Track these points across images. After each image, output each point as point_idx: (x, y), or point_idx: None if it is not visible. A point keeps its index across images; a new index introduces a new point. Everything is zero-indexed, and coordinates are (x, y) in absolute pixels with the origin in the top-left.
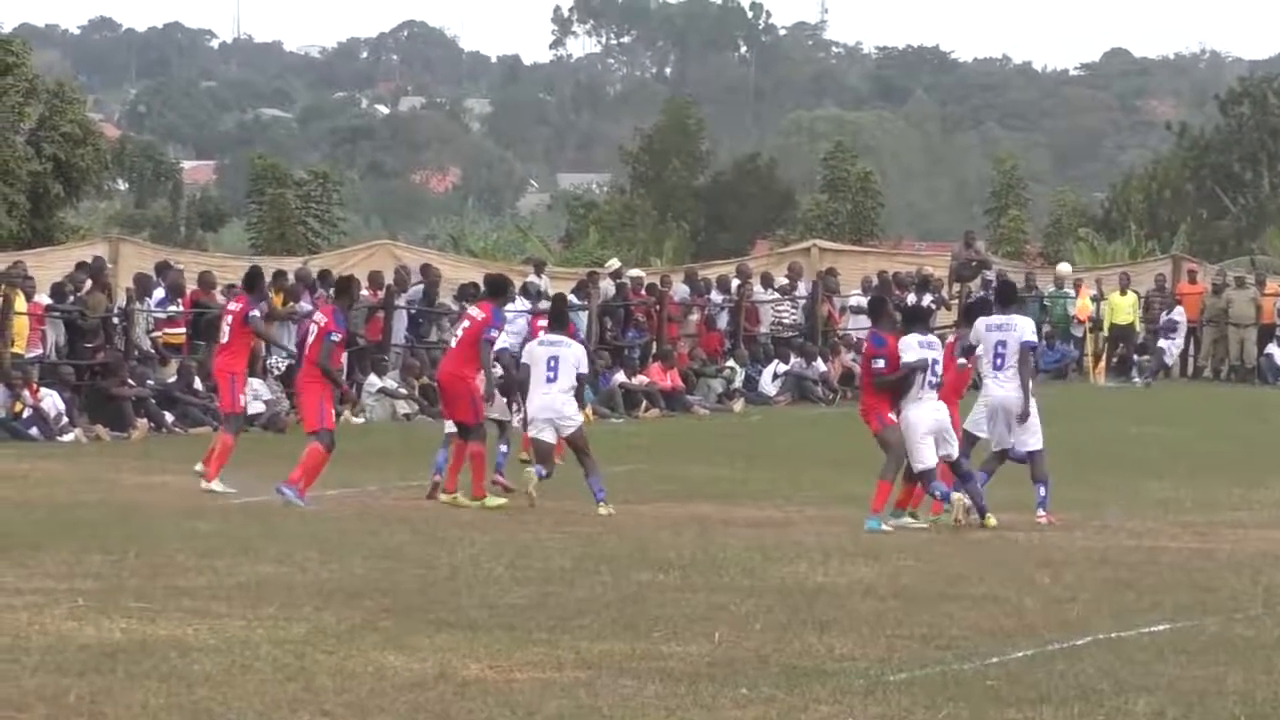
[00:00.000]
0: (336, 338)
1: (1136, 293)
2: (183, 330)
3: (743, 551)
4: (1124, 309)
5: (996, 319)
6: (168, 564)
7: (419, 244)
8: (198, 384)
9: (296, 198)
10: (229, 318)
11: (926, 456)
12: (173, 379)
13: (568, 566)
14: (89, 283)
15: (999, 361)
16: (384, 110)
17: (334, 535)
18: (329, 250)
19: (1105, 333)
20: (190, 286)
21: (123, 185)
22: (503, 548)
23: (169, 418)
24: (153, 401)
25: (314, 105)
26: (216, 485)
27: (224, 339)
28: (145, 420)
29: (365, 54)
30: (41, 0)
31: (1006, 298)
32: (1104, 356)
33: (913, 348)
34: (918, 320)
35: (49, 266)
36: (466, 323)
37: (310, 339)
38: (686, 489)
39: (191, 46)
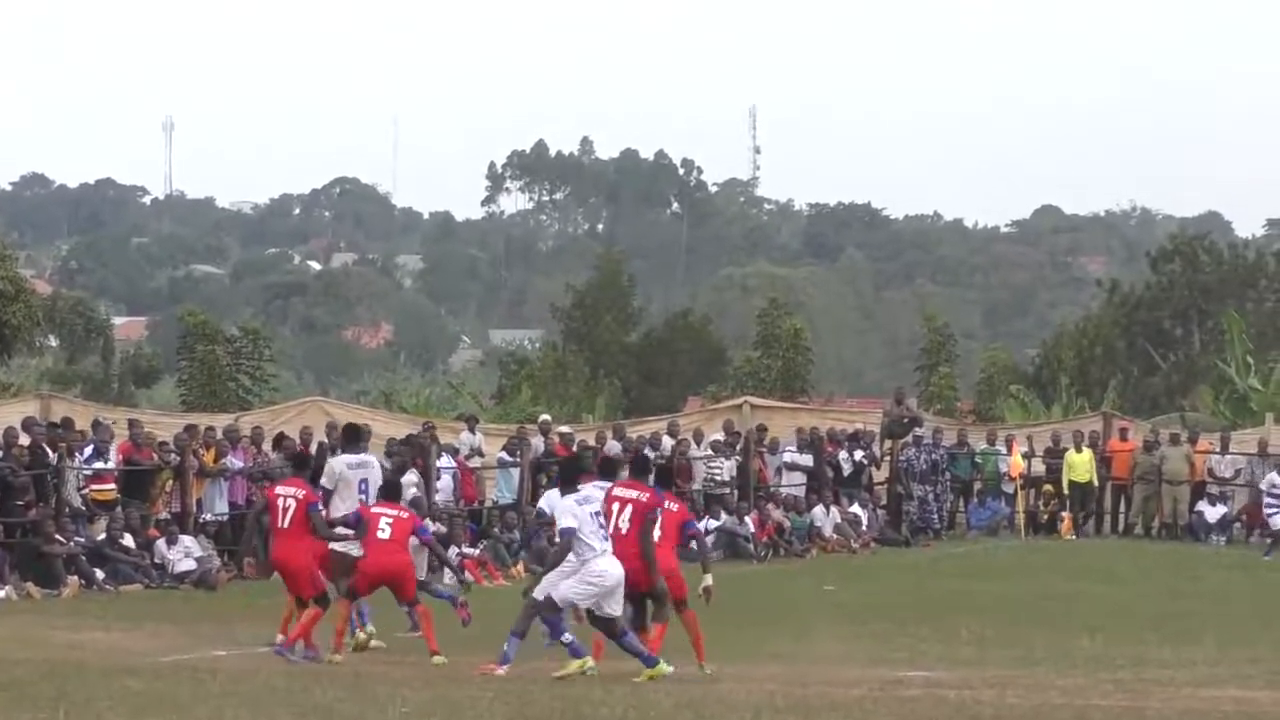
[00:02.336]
0: (321, 508)
1: (1092, 449)
2: (112, 486)
3: (673, 709)
4: (1082, 466)
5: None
6: None
7: (351, 400)
8: (128, 540)
9: (228, 354)
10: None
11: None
12: (102, 536)
13: None
14: (22, 438)
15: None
16: (316, 266)
17: (264, 693)
18: (260, 407)
19: (1065, 490)
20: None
21: (54, 341)
22: (435, 705)
23: (99, 574)
24: (83, 558)
25: (246, 261)
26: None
27: (284, 524)
28: (76, 577)
29: (298, 210)
30: None
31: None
32: (1070, 514)
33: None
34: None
35: None
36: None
37: (288, 513)
38: (612, 647)
39: (123, 203)
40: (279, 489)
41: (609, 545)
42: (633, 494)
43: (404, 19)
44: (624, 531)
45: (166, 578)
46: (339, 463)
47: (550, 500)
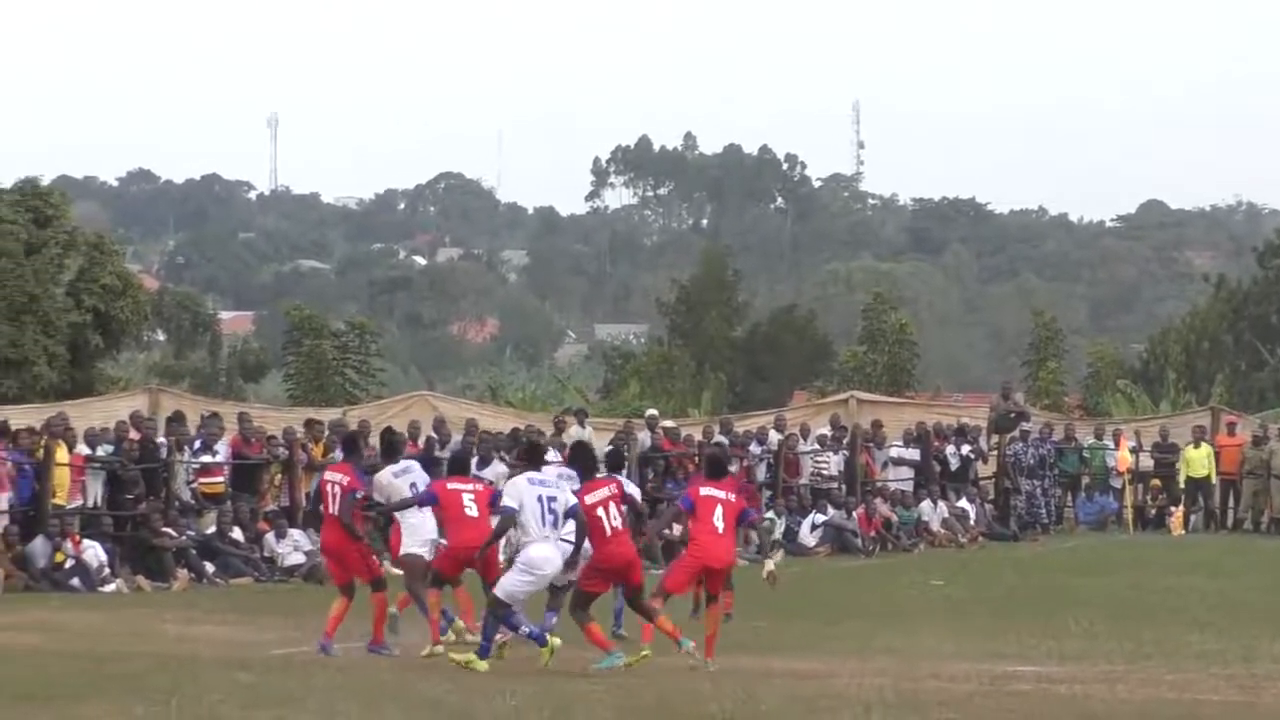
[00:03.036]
0: (360, 494)
1: (1210, 444)
2: (221, 480)
3: (783, 704)
4: (1199, 461)
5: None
6: (209, 715)
7: (457, 394)
8: (237, 534)
9: (334, 348)
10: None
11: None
12: (211, 529)
13: (609, 717)
14: (132, 433)
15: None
16: (421, 261)
17: (374, 687)
18: (367, 401)
19: (1182, 485)
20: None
21: (161, 336)
22: (544, 699)
23: (209, 568)
24: (193, 552)
25: (351, 256)
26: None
27: (334, 511)
28: (186, 570)
29: (403, 205)
30: (80, 153)
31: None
32: (1183, 509)
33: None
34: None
35: (89, 417)
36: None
37: (336, 499)
38: (726, 640)
39: (229, 198)
40: (327, 475)
41: (551, 534)
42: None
43: (511, 17)
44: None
45: (276, 571)
46: (385, 475)
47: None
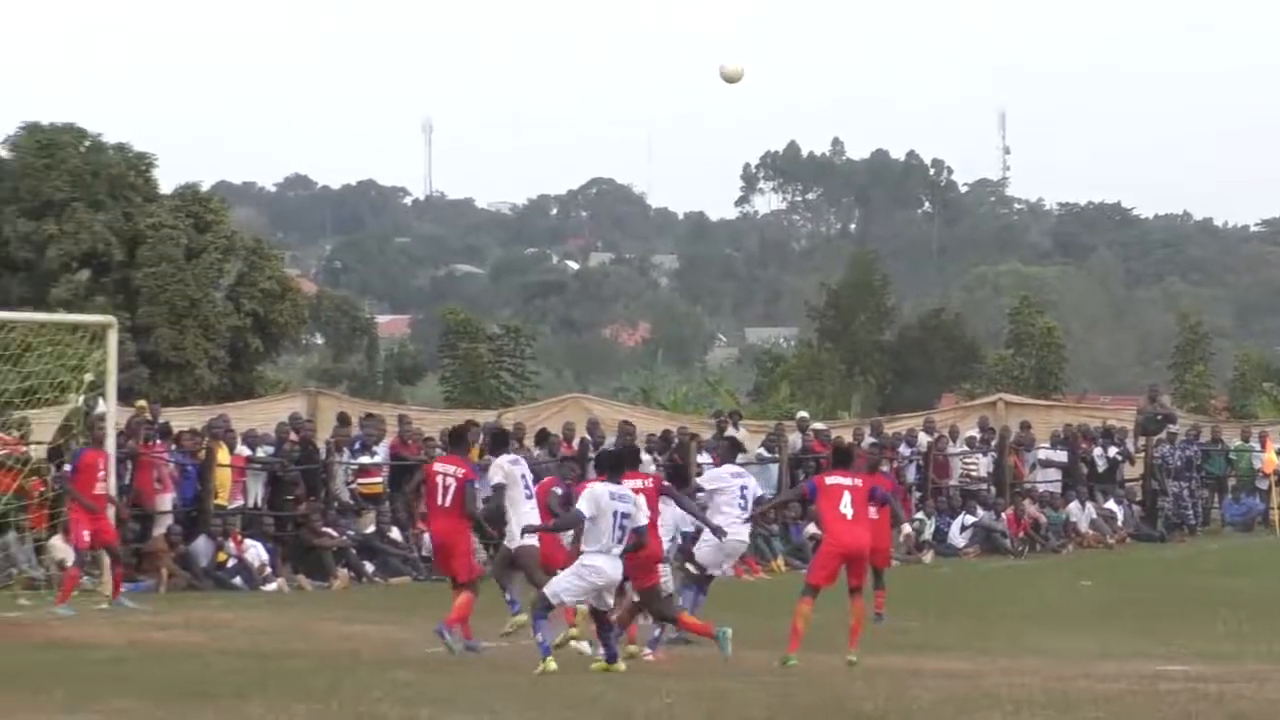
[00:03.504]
0: (479, 485)
1: None
2: (380, 480)
3: (934, 703)
4: None
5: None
6: (370, 713)
7: (609, 397)
8: (395, 534)
9: (489, 351)
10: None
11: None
12: (370, 529)
13: (763, 716)
14: (291, 434)
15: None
16: (574, 266)
17: (532, 684)
18: (522, 403)
19: None
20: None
21: (320, 339)
22: (698, 698)
23: (369, 567)
24: (353, 551)
25: (505, 261)
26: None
27: (444, 503)
28: (345, 570)
29: (555, 211)
30: (239, 159)
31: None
32: None
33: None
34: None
35: (249, 420)
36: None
37: (448, 491)
38: (877, 640)
39: (385, 203)
40: (437, 466)
41: (615, 548)
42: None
43: (660, 23)
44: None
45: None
46: (502, 461)
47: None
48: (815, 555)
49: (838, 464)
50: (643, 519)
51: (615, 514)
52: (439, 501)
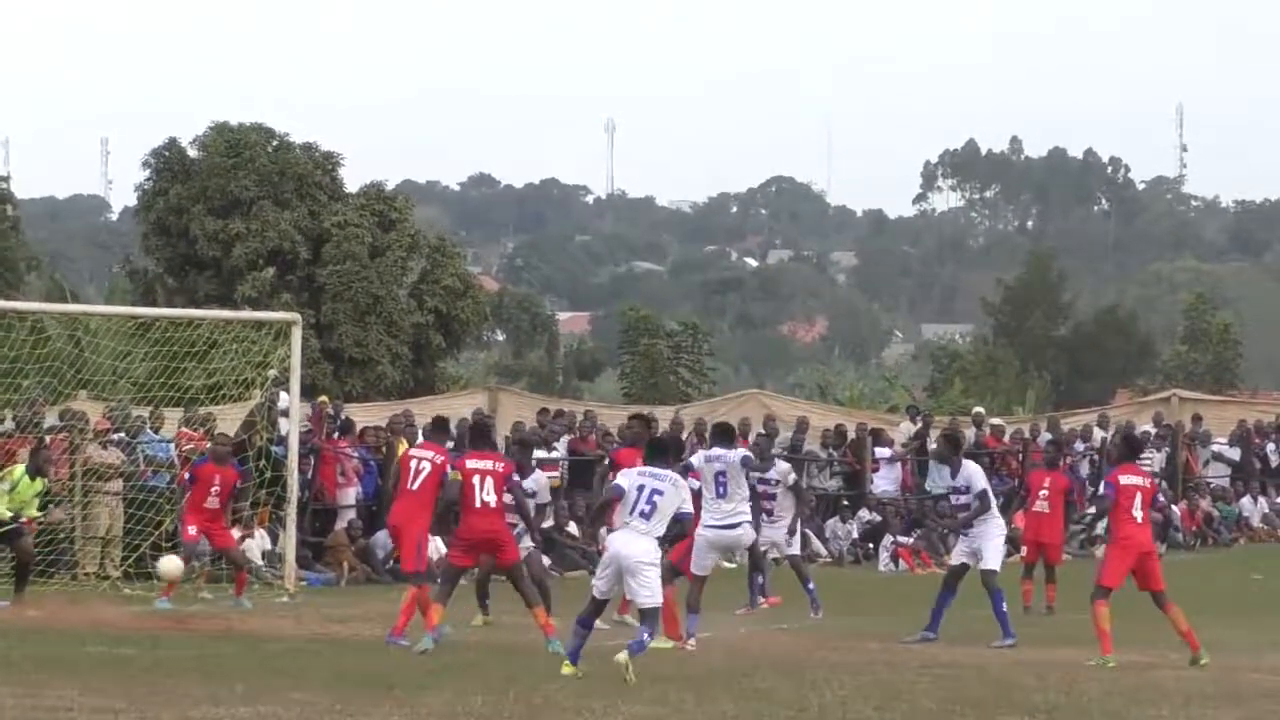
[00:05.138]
0: (517, 477)
1: None
2: (558, 475)
3: (1105, 695)
4: None
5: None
6: (545, 705)
7: (787, 393)
8: (573, 528)
9: (668, 348)
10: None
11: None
12: (549, 523)
13: (934, 709)
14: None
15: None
16: (752, 263)
17: (707, 676)
18: (700, 399)
19: None
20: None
21: (501, 336)
22: (871, 690)
23: (546, 560)
24: None
25: (685, 258)
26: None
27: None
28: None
29: (735, 209)
30: (423, 158)
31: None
32: None
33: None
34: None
35: (431, 415)
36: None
37: (420, 476)
38: (1047, 632)
39: (567, 202)
40: (413, 451)
41: (639, 524)
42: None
43: (836, 20)
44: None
45: None
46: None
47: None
48: (1106, 557)
49: (1128, 456)
50: (688, 507)
51: (641, 488)
52: (408, 484)
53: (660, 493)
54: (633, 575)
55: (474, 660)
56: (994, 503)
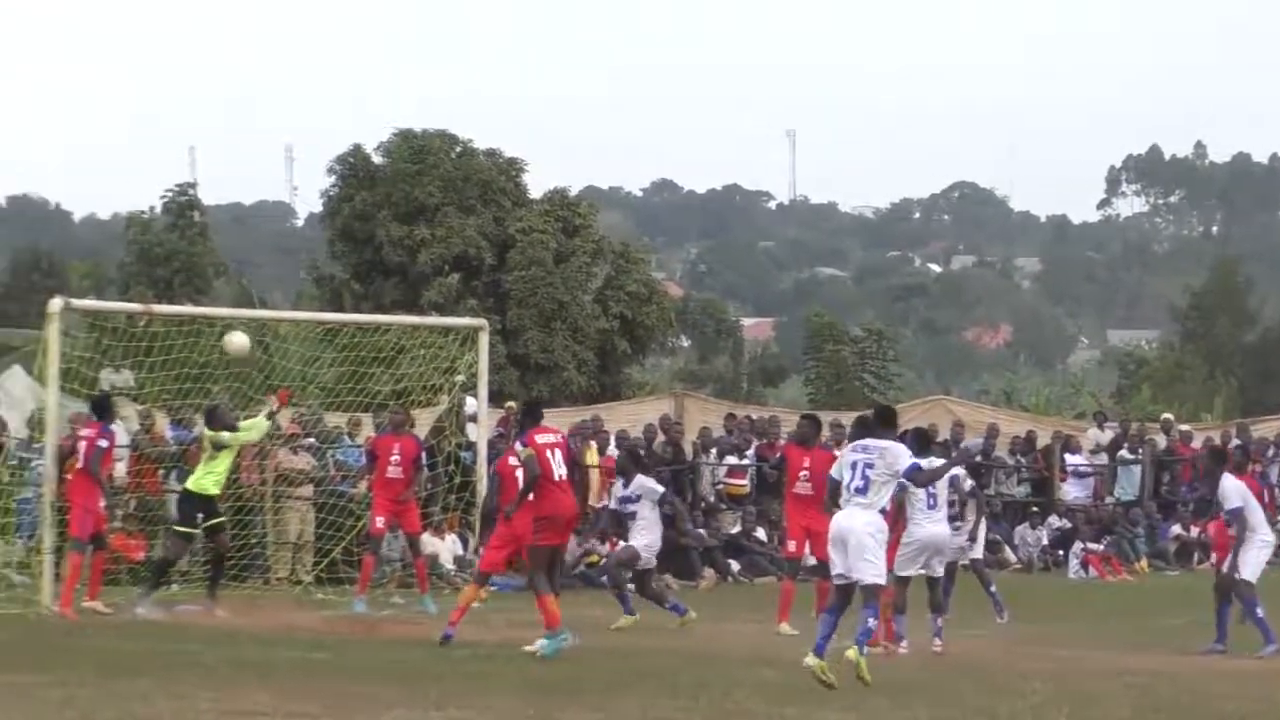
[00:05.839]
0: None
1: None
2: (745, 483)
3: None
4: None
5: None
6: (736, 710)
7: (971, 399)
8: (760, 533)
9: (853, 354)
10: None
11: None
12: (736, 529)
13: (1126, 716)
14: (660, 436)
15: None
16: (936, 269)
17: (901, 682)
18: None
19: None
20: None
21: (686, 342)
22: (1063, 697)
23: (734, 567)
24: (718, 551)
25: (868, 264)
26: (785, 628)
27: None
28: (712, 570)
29: (917, 214)
30: (606, 164)
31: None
32: None
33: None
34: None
35: (617, 421)
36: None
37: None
38: (1243, 640)
39: (749, 207)
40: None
41: (859, 499)
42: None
43: (1019, 25)
44: None
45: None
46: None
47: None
48: None
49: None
50: (906, 463)
51: (855, 465)
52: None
53: (870, 465)
54: (856, 551)
55: (664, 666)
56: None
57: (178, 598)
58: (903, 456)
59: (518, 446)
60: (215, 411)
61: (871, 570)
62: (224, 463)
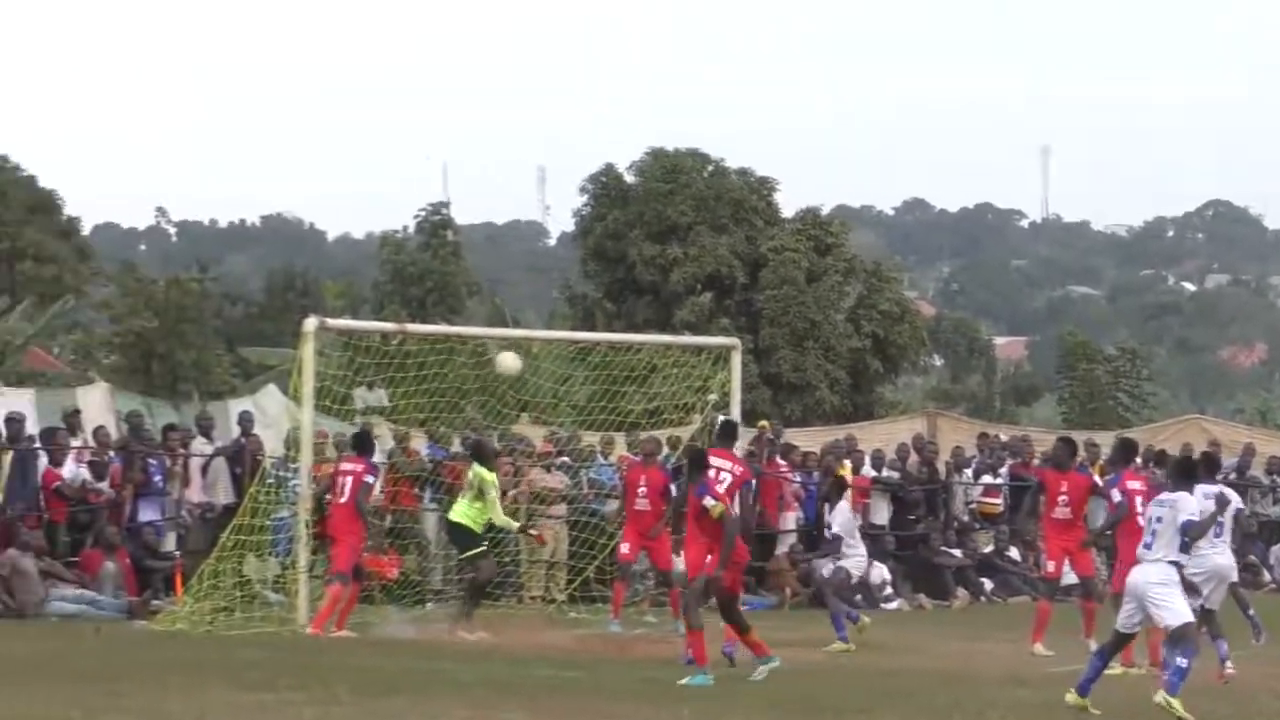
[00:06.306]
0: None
1: None
2: (999, 502)
3: None
4: None
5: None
6: None
7: (1226, 418)
8: (1014, 553)
9: (1106, 373)
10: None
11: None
12: (989, 548)
13: None
14: (913, 455)
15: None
16: (1190, 288)
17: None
18: (1139, 424)
19: None
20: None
21: (938, 361)
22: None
23: (988, 586)
24: (971, 571)
25: (1122, 283)
26: (1039, 649)
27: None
28: (965, 589)
29: (1171, 232)
30: (858, 184)
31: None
32: None
33: None
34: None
35: (870, 440)
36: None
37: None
38: None
39: (1002, 226)
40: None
41: (1146, 555)
42: None
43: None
44: None
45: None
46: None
47: None
48: None
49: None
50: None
51: (1149, 519)
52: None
53: (1160, 519)
54: (1154, 605)
55: (919, 686)
56: None
57: (430, 617)
58: (1183, 512)
59: (708, 501)
60: (483, 448)
61: (1172, 615)
62: (485, 510)
